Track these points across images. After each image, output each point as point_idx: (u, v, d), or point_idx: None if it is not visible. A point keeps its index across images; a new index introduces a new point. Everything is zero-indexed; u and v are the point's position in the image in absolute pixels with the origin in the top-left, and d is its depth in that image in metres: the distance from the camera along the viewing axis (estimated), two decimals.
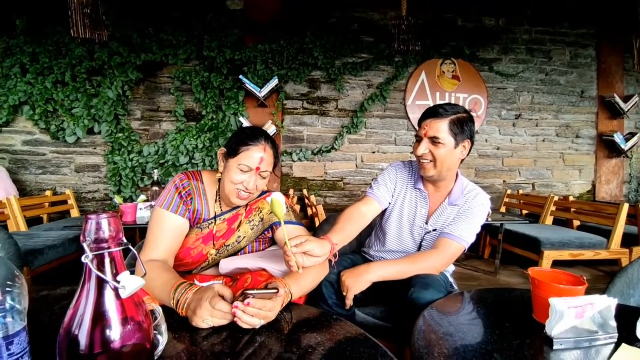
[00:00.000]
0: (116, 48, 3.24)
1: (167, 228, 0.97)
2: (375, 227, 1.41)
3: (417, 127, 1.21)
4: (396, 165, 1.32)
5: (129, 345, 0.42)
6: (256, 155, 0.97)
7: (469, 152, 1.18)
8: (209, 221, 1.05)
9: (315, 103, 3.69)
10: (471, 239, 1.16)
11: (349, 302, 1.05)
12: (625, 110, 3.85)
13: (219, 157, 1.03)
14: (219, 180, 1.07)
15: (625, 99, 3.88)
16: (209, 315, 0.69)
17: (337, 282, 1.11)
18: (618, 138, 3.84)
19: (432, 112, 1.13)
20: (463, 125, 1.12)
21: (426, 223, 1.24)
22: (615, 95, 3.84)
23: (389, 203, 1.30)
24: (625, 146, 3.85)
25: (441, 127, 1.11)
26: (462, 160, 1.20)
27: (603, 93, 3.97)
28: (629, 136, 3.92)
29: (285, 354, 0.63)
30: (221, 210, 1.07)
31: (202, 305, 0.70)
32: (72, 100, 3.27)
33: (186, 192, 1.01)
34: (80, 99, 3.25)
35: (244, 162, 0.96)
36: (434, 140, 1.12)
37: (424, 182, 1.25)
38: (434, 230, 1.22)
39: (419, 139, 1.16)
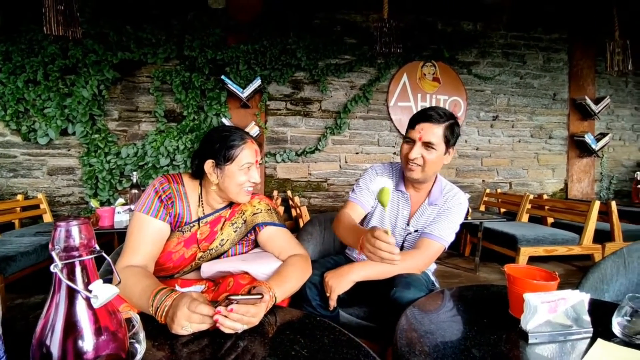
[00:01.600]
0: (91, 46, 3.13)
1: (147, 233, 0.94)
2: None
3: (404, 129, 1.22)
4: (376, 167, 1.33)
5: (103, 356, 0.40)
6: (250, 150, 1.01)
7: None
8: (191, 224, 1.03)
9: (298, 104, 3.68)
10: (451, 238, 1.19)
11: (333, 302, 1.05)
12: (597, 111, 4.04)
13: (209, 170, 0.99)
14: (200, 184, 1.06)
15: (597, 101, 4.07)
16: (187, 321, 0.68)
17: (320, 283, 1.11)
18: (589, 139, 4.03)
19: (428, 116, 1.11)
20: (454, 133, 1.14)
21: (408, 224, 1.25)
22: (586, 97, 4.03)
23: (372, 207, 1.31)
24: (596, 146, 4.04)
25: (436, 133, 1.10)
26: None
27: (574, 95, 4.15)
28: (599, 137, 4.12)
29: (268, 359, 0.63)
30: (204, 213, 1.05)
31: (179, 310, 0.68)
32: (44, 100, 3.13)
33: (167, 195, 0.99)
34: (53, 98, 3.12)
35: (245, 161, 0.99)
36: (427, 145, 1.11)
37: (405, 184, 1.26)
38: (416, 231, 1.24)
39: (409, 142, 1.14)
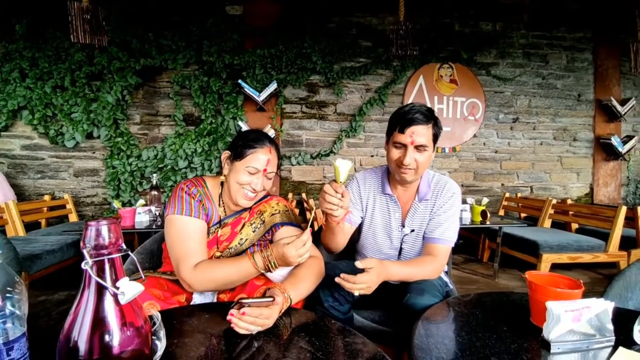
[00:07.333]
0: (116, 53, 3.25)
1: (195, 234, 0.97)
2: (356, 245, 1.36)
3: (397, 132, 1.10)
4: (358, 176, 1.28)
5: (127, 351, 0.42)
6: (263, 157, 1.01)
7: None
8: (215, 226, 1.06)
9: (314, 107, 3.70)
10: (455, 236, 1.17)
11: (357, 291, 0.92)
12: (622, 113, 3.88)
13: (223, 160, 1.04)
14: (222, 183, 1.09)
15: (622, 102, 3.91)
16: (298, 251, 0.87)
17: (333, 284, 1.10)
18: (615, 141, 3.86)
19: (416, 119, 1.06)
20: (439, 129, 1.12)
21: (403, 226, 1.22)
22: (612, 98, 3.87)
23: (361, 217, 1.27)
24: (622, 149, 3.87)
25: (427, 134, 1.08)
26: None
27: (600, 96, 4.00)
28: (626, 139, 3.94)
29: (283, 359, 0.64)
30: (225, 214, 1.08)
31: (285, 251, 0.87)
32: (72, 105, 3.27)
33: (197, 198, 1.02)
34: (80, 103, 3.26)
35: (252, 165, 0.99)
36: (419, 148, 1.08)
37: (391, 185, 1.22)
38: (412, 231, 1.20)
39: (400, 146, 1.10)
